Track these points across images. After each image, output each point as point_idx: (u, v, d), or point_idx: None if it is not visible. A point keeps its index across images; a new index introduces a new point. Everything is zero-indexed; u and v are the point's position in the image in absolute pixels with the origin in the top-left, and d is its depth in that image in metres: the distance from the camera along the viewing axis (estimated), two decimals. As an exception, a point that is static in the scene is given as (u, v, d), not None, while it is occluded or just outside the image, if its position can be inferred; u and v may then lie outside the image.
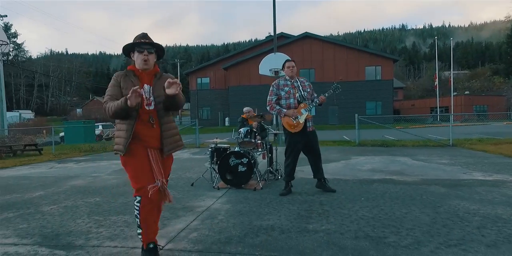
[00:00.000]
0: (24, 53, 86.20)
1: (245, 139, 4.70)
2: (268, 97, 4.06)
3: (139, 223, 2.10)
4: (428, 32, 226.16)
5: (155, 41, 2.20)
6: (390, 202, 3.49)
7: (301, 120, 3.89)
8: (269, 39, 32.89)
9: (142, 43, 2.14)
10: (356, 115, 10.89)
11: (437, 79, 32.93)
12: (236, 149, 4.68)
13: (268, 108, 4.09)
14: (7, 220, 3.26)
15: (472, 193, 3.81)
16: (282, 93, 3.98)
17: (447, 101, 40.38)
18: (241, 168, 4.37)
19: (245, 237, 2.55)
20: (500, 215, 2.96)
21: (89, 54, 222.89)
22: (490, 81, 69.73)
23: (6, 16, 20.15)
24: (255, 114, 5.41)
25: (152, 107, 2.14)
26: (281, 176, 4.94)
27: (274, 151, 5.22)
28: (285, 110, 3.92)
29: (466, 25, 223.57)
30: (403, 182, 4.60)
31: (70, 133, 18.22)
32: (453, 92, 62.24)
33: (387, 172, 5.47)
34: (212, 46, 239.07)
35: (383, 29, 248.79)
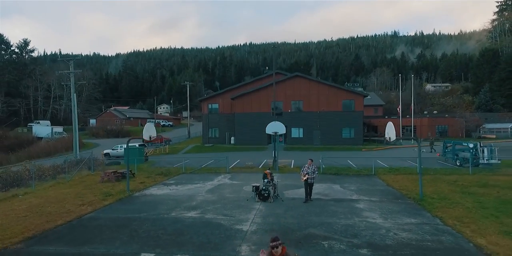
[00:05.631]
0: (40, 66, 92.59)
1: (267, 183, 12.69)
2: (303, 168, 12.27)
3: None
4: (419, 40, 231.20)
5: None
6: (312, 206, 11.44)
7: (303, 178, 11.95)
8: (267, 75, 41.18)
9: (275, 246, 3.40)
10: (321, 157, 18.94)
11: (400, 107, 40.94)
12: (263, 186, 12.64)
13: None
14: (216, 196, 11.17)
15: (341, 203, 11.81)
16: (304, 168, 12.07)
17: (414, 121, 47.92)
18: (265, 193, 12.33)
19: (279, 211, 10.56)
20: (336, 210, 10.99)
21: (83, 54, 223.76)
22: (461, 99, 76.87)
23: (79, 56, 27.80)
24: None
25: None
26: (277, 197, 12.87)
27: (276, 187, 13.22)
28: (302, 175, 12.06)
29: (456, 33, 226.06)
30: (322, 199, 12.56)
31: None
32: (427, 108, 69.84)
33: (321, 194, 13.44)
34: (207, 49, 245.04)
35: (375, 35, 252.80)
